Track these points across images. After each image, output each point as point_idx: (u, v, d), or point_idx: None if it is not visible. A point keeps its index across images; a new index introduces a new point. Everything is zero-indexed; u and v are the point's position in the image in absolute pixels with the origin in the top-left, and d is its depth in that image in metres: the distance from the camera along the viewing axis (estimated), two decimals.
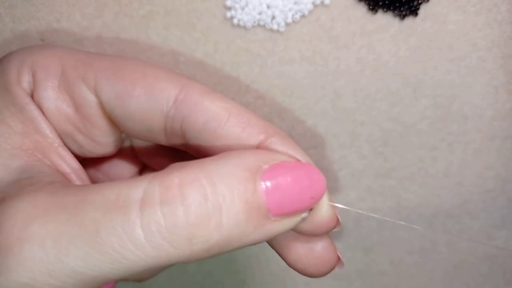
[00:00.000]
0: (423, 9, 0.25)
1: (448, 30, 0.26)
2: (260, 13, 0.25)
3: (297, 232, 0.18)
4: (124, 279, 0.16)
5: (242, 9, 0.25)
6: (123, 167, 0.23)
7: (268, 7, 0.25)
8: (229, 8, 0.25)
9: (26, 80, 0.18)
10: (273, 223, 0.15)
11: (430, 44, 0.26)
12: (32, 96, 0.18)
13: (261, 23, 0.25)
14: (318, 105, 0.28)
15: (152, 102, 0.17)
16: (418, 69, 0.27)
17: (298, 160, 0.16)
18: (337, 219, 0.18)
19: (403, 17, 0.25)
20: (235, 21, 0.25)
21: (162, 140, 0.19)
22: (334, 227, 0.18)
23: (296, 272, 0.20)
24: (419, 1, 0.25)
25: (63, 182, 0.17)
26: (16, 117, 0.17)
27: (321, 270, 0.19)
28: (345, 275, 0.33)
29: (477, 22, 0.26)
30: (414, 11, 0.25)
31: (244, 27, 0.25)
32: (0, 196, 0.15)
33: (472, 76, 0.27)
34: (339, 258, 0.19)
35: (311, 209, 0.17)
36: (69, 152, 0.18)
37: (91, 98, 0.18)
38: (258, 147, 0.17)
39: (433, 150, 0.29)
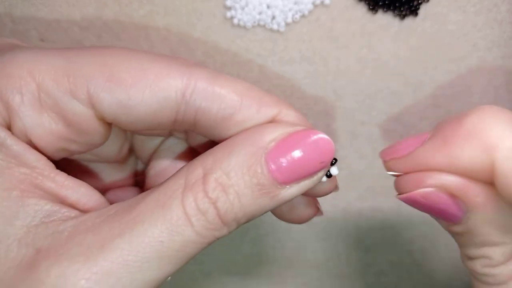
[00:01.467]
0: (423, 9, 0.25)
1: (448, 30, 0.26)
2: (260, 13, 0.25)
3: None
4: None
5: (242, 9, 0.25)
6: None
7: (268, 7, 0.25)
8: (229, 8, 0.25)
9: None
10: (288, 190, 0.16)
11: (430, 44, 0.26)
12: (10, 128, 0.16)
13: (261, 23, 0.25)
14: (318, 105, 0.28)
15: (161, 103, 0.16)
16: (418, 69, 0.27)
17: (305, 128, 0.17)
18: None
19: (403, 17, 0.25)
20: (235, 21, 0.25)
21: (166, 132, 0.18)
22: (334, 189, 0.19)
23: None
24: (419, 1, 0.25)
25: (78, 214, 0.16)
26: None
27: (302, 221, 0.20)
28: (345, 275, 0.33)
29: (477, 22, 0.26)
30: (414, 11, 0.25)
31: (244, 27, 0.25)
32: (32, 249, 0.15)
33: (472, 76, 0.27)
34: (318, 209, 0.20)
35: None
36: (62, 174, 0.17)
37: (86, 112, 0.16)
38: (271, 121, 0.17)
39: None
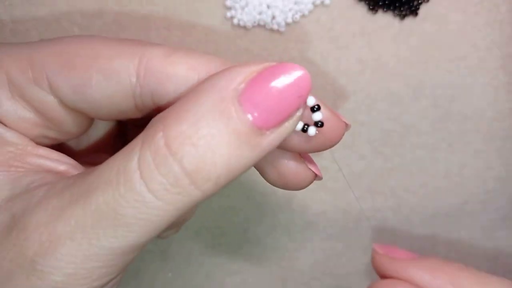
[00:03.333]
0: (423, 9, 0.25)
1: (448, 30, 0.26)
2: (260, 13, 0.25)
3: (308, 149, 0.17)
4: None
5: (242, 9, 0.25)
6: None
7: (268, 7, 0.25)
8: (229, 8, 0.25)
9: None
10: (269, 136, 0.15)
11: (430, 44, 0.26)
12: None
13: (261, 23, 0.25)
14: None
15: (114, 86, 0.16)
16: (418, 69, 0.27)
17: (274, 64, 0.15)
18: (343, 125, 0.17)
19: (403, 17, 0.25)
20: (235, 21, 0.25)
21: (137, 114, 0.18)
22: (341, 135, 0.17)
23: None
24: (419, 1, 0.25)
25: (57, 178, 0.17)
26: None
27: (298, 186, 0.18)
28: (345, 275, 0.33)
29: (477, 22, 0.26)
30: (414, 11, 0.25)
31: (244, 27, 0.25)
32: (9, 214, 0.16)
33: (472, 76, 0.27)
34: (314, 173, 0.18)
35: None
36: (46, 148, 0.18)
37: (49, 99, 0.17)
38: None
39: (433, 150, 0.29)
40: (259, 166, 0.18)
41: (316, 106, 0.16)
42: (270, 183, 0.18)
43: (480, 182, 0.30)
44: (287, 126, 0.15)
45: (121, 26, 0.25)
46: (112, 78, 0.16)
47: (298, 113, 0.15)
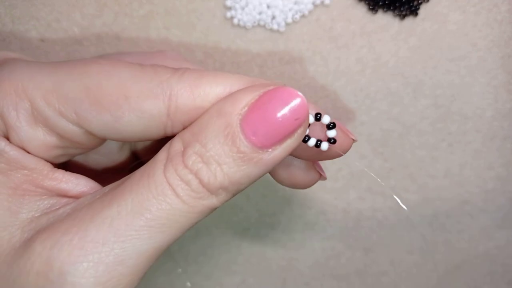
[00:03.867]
0: (423, 9, 0.25)
1: (448, 30, 0.26)
2: (260, 13, 0.25)
3: (318, 158, 0.19)
4: None
5: (242, 9, 0.25)
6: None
7: (268, 7, 0.25)
8: (229, 8, 0.25)
9: None
10: (272, 153, 0.16)
11: (430, 44, 0.26)
12: (8, 138, 0.17)
13: (261, 23, 0.25)
14: (318, 105, 0.28)
15: (145, 123, 0.17)
16: (418, 69, 0.27)
17: (273, 88, 0.16)
18: (348, 141, 0.19)
19: (403, 17, 0.25)
20: (235, 21, 0.25)
21: (163, 137, 0.19)
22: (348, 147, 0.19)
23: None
24: (419, 1, 0.25)
25: (78, 199, 0.17)
26: None
27: (305, 185, 0.20)
28: (345, 275, 0.33)
29: (477, 22, 0.26)
30: (414, 11, 0.25)
31: (244, 27, 0.25)
32: (33, 231, 0.16)
33: (472, 76, 0.27)
34: (319, 174, 0.20)
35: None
36: (62, 171, 0.18)
37: (75, 130, 0.17)
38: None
39: (433, 150, 0.29)
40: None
41: (331, 124, 0.17)
42: (278, 182, 0.20)
43: (480, 182, 0.30)
44: (289, 143, 0.16)
45: (121, 26, 0.25)
46: (144, 116, 0.17)
47: (300, 131, 0.16)
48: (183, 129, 0.17)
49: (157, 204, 0.16)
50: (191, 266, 0.33)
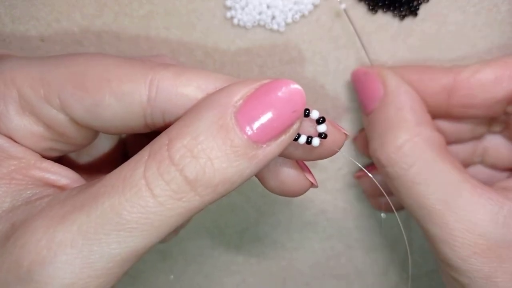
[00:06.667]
0: (423, 9, 0.25)
1: (448, 30, 0.26)
2: (260, 13, 0.25)
3: (313, 157, 0.18)
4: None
5: (242, 9, 0.25)
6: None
7: (268, 7, 0.25)
8: (229, 8, 0.25)
9: None
10: (266, 149, 0.15)
11: (430, 44, 0.26)
12: None
13: (261, 23, 0.25)
14: (318, 105, 0.28)
15: (126, 107, 0.17)
16: None
17: (271, 80, 0.16)
18: (341, 136, 0.18)
19: (403, 17, 0.25)
20: (235, 21, 0.25)
21: (146, 130, 0.18)
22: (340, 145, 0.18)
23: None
24: (419, 1, 0.25)
25: (59, 191, 0.17)
26: None
27: (295, 193, 0.19)
28: (345, 275, 0.33)
29: (477, 22, 0.26)
30: (414, 11, 0.25)
31: (244, 27, 0.25)
32: (9, 224, 0.16)
33: None
34: (310, 182, 0.19)
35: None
36: (50, 162, 0.18)
37: (60, 117, 0.17)
38: None
39: None
40: (260, 173, 0.19)
41: (321, 119, 0.17)
42: (268, 189, 0.19)
43: None
44: (283, 139, 0.16)
45: (121, 26, 0.25)
46: (124, 100, 0.16)
47: (295, 126, 0.16)
48: (164, 121, 0.17)
49: (129, 207, 0.15)
50: (191, 266, 0.33)
